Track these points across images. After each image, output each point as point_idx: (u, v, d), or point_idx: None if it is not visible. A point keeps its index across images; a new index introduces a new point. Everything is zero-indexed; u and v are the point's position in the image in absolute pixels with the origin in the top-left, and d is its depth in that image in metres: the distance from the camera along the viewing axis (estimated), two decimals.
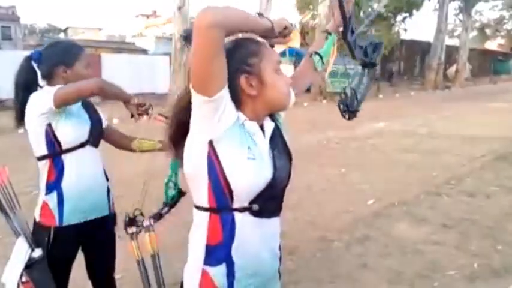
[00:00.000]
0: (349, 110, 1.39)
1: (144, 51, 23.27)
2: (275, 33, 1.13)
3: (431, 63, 25.10)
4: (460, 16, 30.41)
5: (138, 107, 1.86)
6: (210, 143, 1.04)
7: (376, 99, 17.27)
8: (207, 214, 1.09)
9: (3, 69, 11.38)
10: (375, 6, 24.75)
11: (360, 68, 1.51)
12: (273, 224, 1.16)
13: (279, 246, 1.23)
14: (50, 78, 1.83)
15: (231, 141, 1.05)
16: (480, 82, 31.16)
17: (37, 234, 1.86)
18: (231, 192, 1.05)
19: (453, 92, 23.20)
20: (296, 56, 20.77)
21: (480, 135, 8.82)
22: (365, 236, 3.62)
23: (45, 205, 1.84)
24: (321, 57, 1.43)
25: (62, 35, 38.56)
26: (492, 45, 48.85)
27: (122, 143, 2.15)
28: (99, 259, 2.06)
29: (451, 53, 30.73)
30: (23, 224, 1.87)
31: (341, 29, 1.37)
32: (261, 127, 1.15)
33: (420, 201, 4.63)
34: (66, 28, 39.13)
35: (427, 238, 3.58)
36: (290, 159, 1.20)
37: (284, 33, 1.16)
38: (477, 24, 41.71)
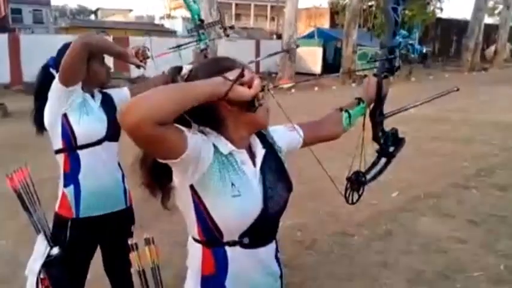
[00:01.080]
0: (356, 179, 1.38)
1: (172, 33, 23.38)
2: (229, 84, 0.93)
3: (468, 43, 23.96)
4: None
5: (137, 55, 1.90)
6: (191, 187, 1.03)
7: (408, 82, 16.72)
8: (200, 246, 1.09)
9: (36, 53, 11.77)
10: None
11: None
12: (267, 249, 1.14)
13: (279, 263, 1.20)
14: None
15: (211, 182, 1.02)
16: None
17: (56, 225, 1.93)
18: (219, 229, 1.05)
19: (490, 74, 22.14)
20: (325, 37, 20.36)
21: None
22: (387, 232, 3.55)
23: (64, 197, 1.90)
24: (350, 116, 1.37)
25: (92, 17, 39.24)
26: None
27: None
28: (116, 254, 2.10)
29: (490, 32, 29.21)
30: (42, 221, 1.94)
31: (372, 105, 1.35)
32: (252, 155, 1.12)
33: (447, 194, 4.49)
34: (97, 9, 39.76)
35: (452, 235, 3.48)
36: (288, 187, 1.16)
37: (244, 80, 0.95)
38: None
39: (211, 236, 1.06)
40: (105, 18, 31.41)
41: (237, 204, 1.03)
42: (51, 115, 1.83)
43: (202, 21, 2.09)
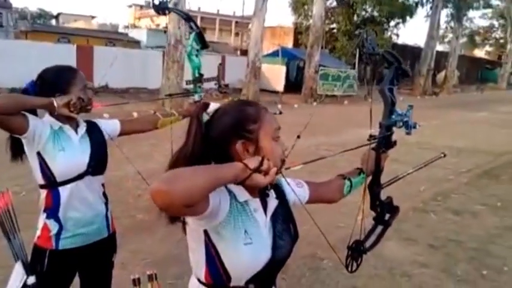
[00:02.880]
0: (356, 248, 1.45)
1: (136, 43, 23.01)
2: (249, 172, 0.97)
3: (421, 68, 25.42)
4: (452, 23, 30.77)
5: (68, 106, 1.73)
6: (205, 232, 1.07)
7: (365, 103, 17.41)
8: None
9: None
10: (369, 9, 24.92)
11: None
12: None
13: None
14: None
15: (225, 230, 1.06)
16: (467, 89, 31.65)
17: (34, 255, 1.87)
18: (228, 275, 1.09)
19: (441, 99, 23.52)
20: (288, 56, 20.85)
21: (467, 148, 9.00)
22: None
23: (45, 228, 1.85)
24: (351, 186, 1.47)
25: (53, 22, 37.90)
26: (480, 53, 49.66)
27: (144, 129, 2.16)
28: (95, 283, 2.06)
29: (440, 59, 31.10)
30: (21, 248, 1.88)
31: (370, 178, 1.44)
32: (265, 203, 1.16)
33: (408, 218, 4.72)
34: (58, 14, 38.49)
35: (415, 259, 3.66)
36: (294, 237, 1.23)
37: (262, 169, 0.98)
38: (467, 31, 42.32)
39: (218, 280, 1.09)
40: (67, 24, 30.43)
41: (248, 252, 1.07)
42: (29, 154, 1.79)
43: (201, 75, 2.14)
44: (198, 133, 1.10)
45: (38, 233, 1.87)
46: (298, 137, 1.17)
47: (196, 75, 2.17)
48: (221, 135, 1.10)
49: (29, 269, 1.83)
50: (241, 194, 1.10)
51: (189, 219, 1.08)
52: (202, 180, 0.89)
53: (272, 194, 1.19)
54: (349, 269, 1.47)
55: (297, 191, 1.32)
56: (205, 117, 1.15)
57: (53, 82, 1.79)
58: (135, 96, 12.95)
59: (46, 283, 1.82)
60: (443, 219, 4.73)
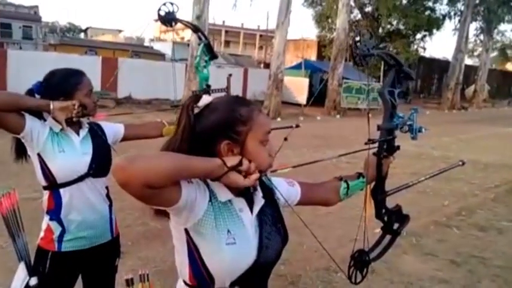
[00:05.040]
0: (359, 258, 1.39)
1: (161, 56, 23.49)
2: (226, 170, 0.96)
3: (449, 82, 24.83)
4: (481, 36, 30.01)
5: (64, 109, 1.70)
6: (186, 230, 1.04)
7: None
8: None
9: (22, 68, 11.69)
10: (394, 22, 24.68)
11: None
12: None
13: None
14: None
15: (205, 229, 1.03)
16: (498, 104, 30.69)
17: (37, 256, 1.87)
18: (211, 276, 1.05)
19: (469, 113, 22.88)
20: (311, 69, 20.79)
21: (494, 163, 8.66)
22: (370, 269, 3.55)
23: (48, 230, 1.84)
24: (348, 188, 1.39)
25: (82, 35, 39.24)
26: None
27: (148, 135, 2.15)
28: (97, 287, 2.04)
29: (470, 73, 30.38)
30: (25, 249, 1.88)
31: (373, 184, 1.37)
32: (251, 200, 1.12)
33: (429, 232, 4.54)
34: (87, 28, 39.85)
35: (434, 275, 3.50)
36: (283, 238, 1.17)
37: (241, 168, 0.97)
38: (498, 45, 41.19)
39: (202, 281, 1.06)
40: (95, 37, 31.46)
41: (231, 252, 1.03)
42: (31, 156, 1.79)
43: (208, 86, 2.14)
44: (186, 126, 1.06)
45: (42, 234, 1.87)
46: (285, 139, 1.13)
47: (204, 86, 2.16)
48: (207, 132, 1.05)
49: (31, 270, 1.84)
50: (223, 193, 1.06)
51: (171, 216, 1.05)
52: (166, 163, 0.88)
53: (259, 193, 1.14)
54: (353, 280, 1.37)
55: (287, 190, 1.27)
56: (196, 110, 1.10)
57: (57, 85, 1.78)
58: (157, 107, 13.15)
59: (48, 285, 1.81)
60: (467, 235, 4.52)
